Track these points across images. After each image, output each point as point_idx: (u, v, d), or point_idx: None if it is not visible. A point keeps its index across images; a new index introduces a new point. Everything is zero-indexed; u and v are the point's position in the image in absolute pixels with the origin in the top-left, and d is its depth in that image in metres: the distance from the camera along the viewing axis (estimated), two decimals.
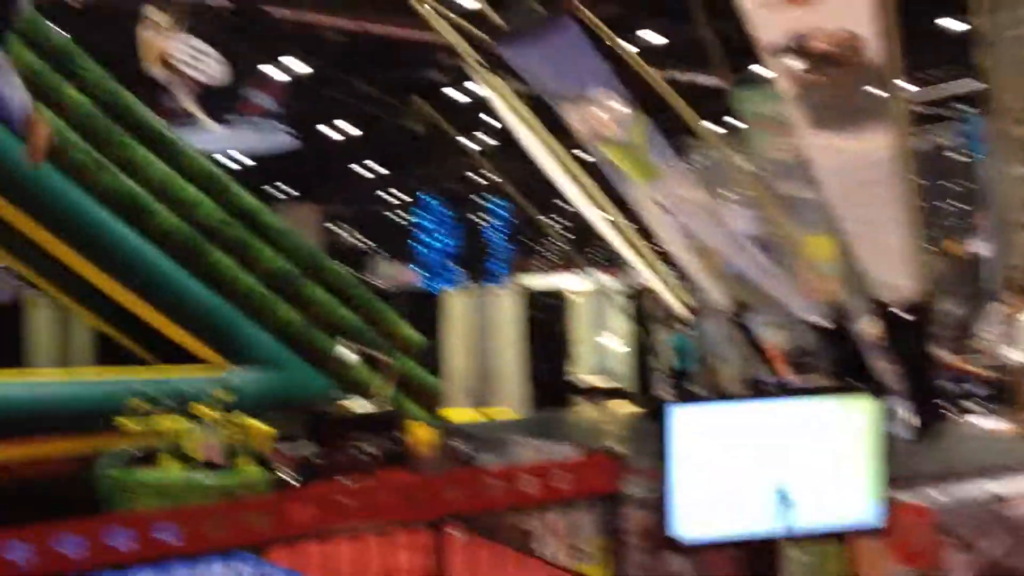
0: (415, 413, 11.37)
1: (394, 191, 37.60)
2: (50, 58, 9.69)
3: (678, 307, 11.01)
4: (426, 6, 10.00)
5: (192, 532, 3.78)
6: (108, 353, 11.39)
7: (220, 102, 17.56)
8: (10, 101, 4.63)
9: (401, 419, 10.80)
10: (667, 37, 18.51)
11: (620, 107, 9.12)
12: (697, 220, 9.87)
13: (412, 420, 11.01)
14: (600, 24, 9.07)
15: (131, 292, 10.09)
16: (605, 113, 9.10)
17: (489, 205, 37.85)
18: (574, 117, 9.68)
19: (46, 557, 3.55)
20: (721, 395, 9.22)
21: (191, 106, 10.52)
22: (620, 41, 9.38)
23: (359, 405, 10.68)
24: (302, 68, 21.33)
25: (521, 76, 10.01)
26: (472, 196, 36.59)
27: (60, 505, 8.28)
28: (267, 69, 21.17)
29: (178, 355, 10.49)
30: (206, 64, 10.46)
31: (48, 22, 10.07)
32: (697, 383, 10.88)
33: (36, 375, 10.79)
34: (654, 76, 9.27)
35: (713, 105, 13.01)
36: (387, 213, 40.34)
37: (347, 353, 10.82)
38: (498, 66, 10.08)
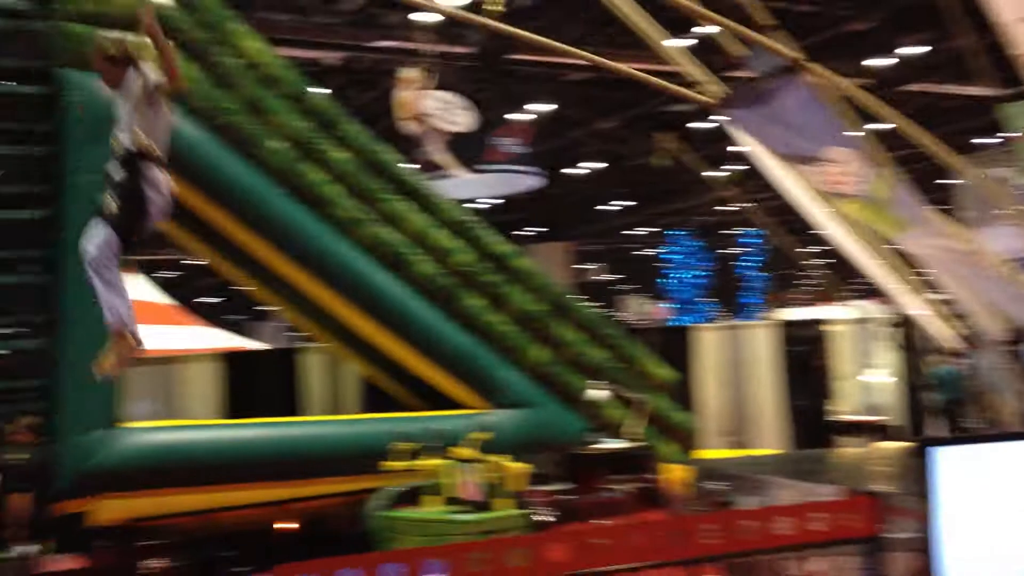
0: (668, 452, 11.25)
1: (642, 227, 37.61)
2: (314, 118, 10.43)
3: (948, 336, 10.34)
4: (665, 43, 10.04)
5: (457, 569, 3.92)
6: (374, 399, 12.02)
7: (469, 151, 18.27)
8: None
9: (654, 458, 10.70)
10: (931, 46, 17.67)
11: (858, 164, 8.77)
12: (951, 268, 9.29)
13: (665, 460, 10.89)
14: (839, 80, 8.78)
15: (394, 337, 10.63)
16: (843, 171, 8.77)
17: (742, 237, 37.13)
18: (810, 177, 9.39)
19: None
20: (999, 432, 8.55)
21: (443, 158, 11.02)
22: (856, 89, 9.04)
23: (612, 444, 10.68)
24: (545, 109, 21.85)
25: (749, 138, 9.85)
26: (723, 229, 36.02)
27: (335, 541, 8.82)
28: (512, 115, 21.84)
29: (442, 400, 10.93)
30: (455, 114, 10.95)
31: (309, 85, 10.85)
32: (972, 418, 10.15)
33: (308, 420, 11.53)
34: (902, 120, 8.87)
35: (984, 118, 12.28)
36: (635, 249, 40.41)
37: (598, 392, 10.88)
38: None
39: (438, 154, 11.00)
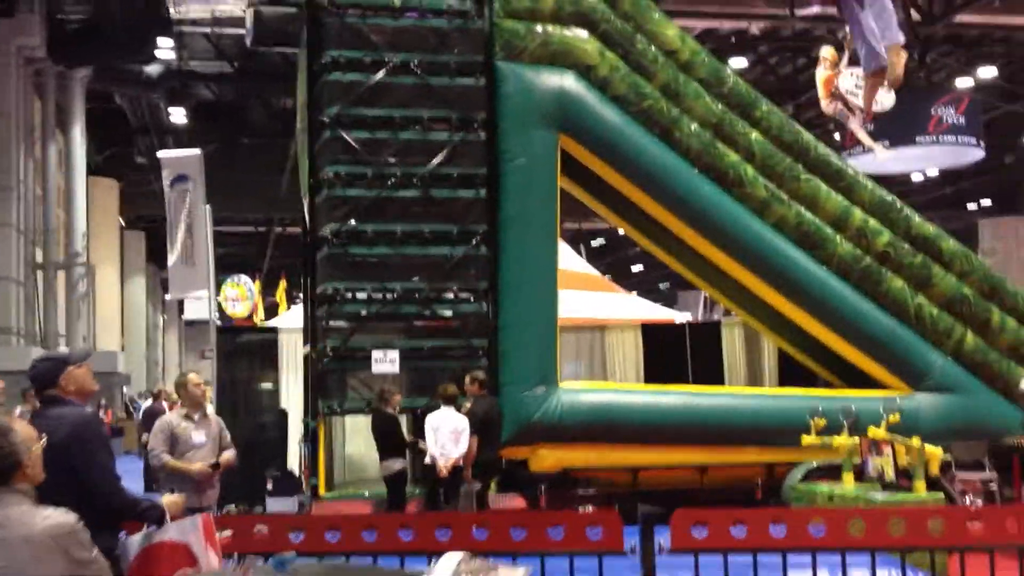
0: None
1: None
2: (730, 104, 10.77)
3: None
4: None
5: (836, 529, 4.21)
6: (791, 373, 12.17)
7: (909, 123, 17.57)
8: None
9: None
10: None
11: None
12: None
13: None
14: None
15: (811, 316, 10.73)
16: None
17: None
18: None
19: (720, 536, 4.26)
20: None
21: (864, 136, 10.85)
22: None
23: None
24: (992, 75, 20.34)
25: None
26: None
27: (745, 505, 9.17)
28: (959, 82, 20.60)
29: (861, 380, 10.87)
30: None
31: (727, 70, 11.17)
32: None
33: (729, 391, 11.96)
34: None
35: None
36: None
37: None
38: None
39: (861, 132, 10.82)
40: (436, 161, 10.24)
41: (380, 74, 10.22)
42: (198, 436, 7.43)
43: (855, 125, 10.36)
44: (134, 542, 4.19)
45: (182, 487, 6.63)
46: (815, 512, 4.51)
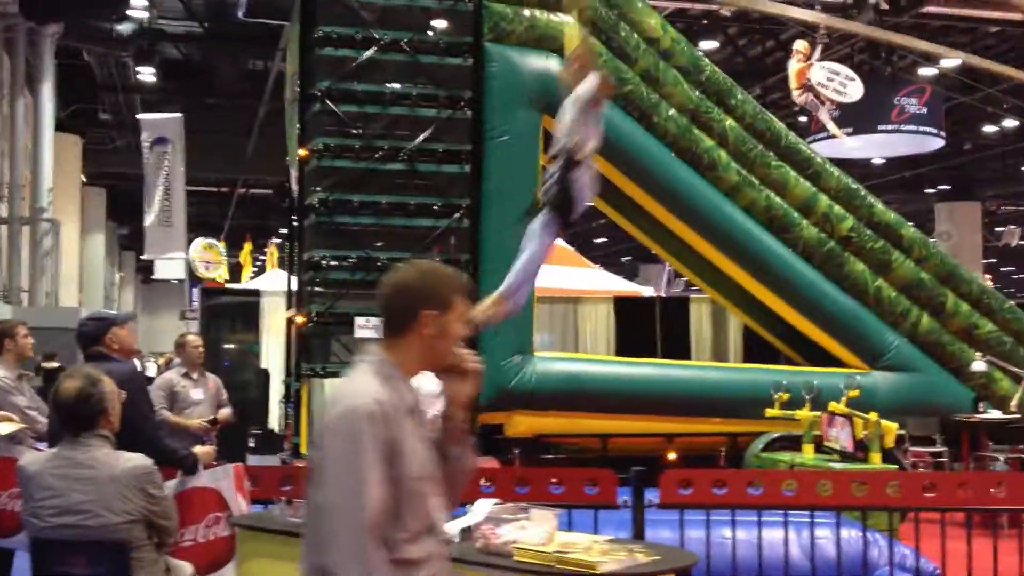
0: None
1: None
2: (707, 91, 11.23)
3: None
4: None
5: (805, 490, 4.71)
6: (756, 350, 12.75)
7: (873, 112, 18.11)
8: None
9: None
10: None
11: None
12: None
13: None
14: None
15: (777, 296, 11.28)
16: None
17: None
18: None
19: (703, 494, 4.73)
20: None
21: (831, 126, 11.35)
22: None
23: (995, 415, 10.67)
24: (954, 64, 20.93)
25: None
26: None
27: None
28: (923, 71, 21.16)
29: (822, 358, 11.46)
30: (844, 85, 11.22)
31: (705, 59, 11.62)
32: None
33: (697, 364, 12.51)
34: None
35: None
36: None
37: (983, 364, 10.87)
38: None
39: (829, 122, 11.31)
40: (423, 136, 10.58)
41: (371, 51, 10.52)
42: (196, 393, 7.80)
43: (824, 116, 10.84)
44: (169, 486, 4.58)
45: (181, 442, 7.02)
46: (789, 474, 5.01)
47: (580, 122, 6.02)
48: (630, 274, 32.59)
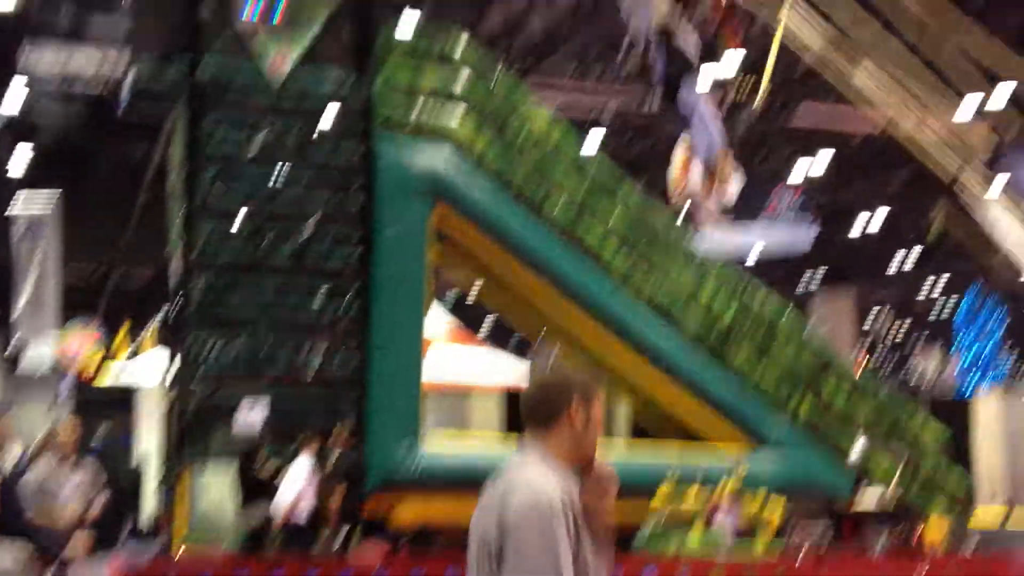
0: (937, 508, 11.32)
1: (934, 276, 35.93)
2: (595, 184, 11.54)
3: None
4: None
5: None
6: (641, 432, 12.86)
7: (750, 206, 18.75)
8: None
9: (917, 514, 10.84)
10: None
11: None
12: None
13: (932, 515, 10.99)
14: None
15: (667, 379, 11.48)
16: None
17: None
18: None
19: None
20: None
21: (711, 223, 11.66)
22: None
23: (874, 496, 10.93)
24: (824, 166, 21.91)
25: None
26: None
27: None
28: (795, 167, 22.06)
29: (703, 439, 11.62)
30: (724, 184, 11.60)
31: (594, 151, 11.98)
32: None
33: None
34: None
35: None
36: (929, 300, 38.62)
37: (862, 445, 11.17)
38: None
39: (711, 219, 11.67)
40: (312, 221, 10.51)
41: (261, 136, 10.46)
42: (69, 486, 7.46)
43: (708, 213, 11.13)
44: None
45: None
46: (681, 563, 5.01)
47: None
48: (522, 349, 32.36)
